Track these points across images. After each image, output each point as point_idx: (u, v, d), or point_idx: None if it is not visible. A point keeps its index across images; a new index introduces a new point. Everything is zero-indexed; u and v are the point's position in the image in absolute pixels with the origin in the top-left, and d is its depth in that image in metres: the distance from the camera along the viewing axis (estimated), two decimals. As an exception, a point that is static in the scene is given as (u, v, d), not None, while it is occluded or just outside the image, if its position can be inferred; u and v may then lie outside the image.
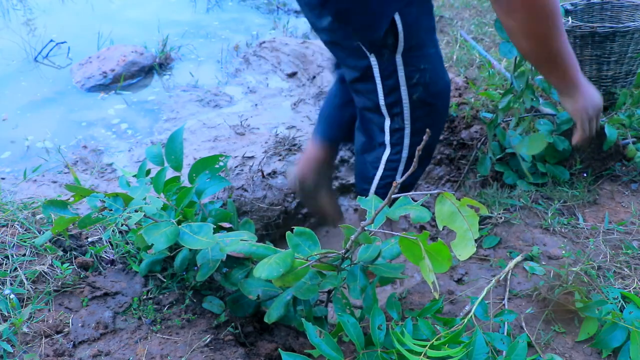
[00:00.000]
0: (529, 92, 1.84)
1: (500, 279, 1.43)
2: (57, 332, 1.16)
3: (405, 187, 1.59)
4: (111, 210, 1.17)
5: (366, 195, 1.52)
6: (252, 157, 2.06)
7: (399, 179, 1.42)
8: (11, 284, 1.21)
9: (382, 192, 1.55)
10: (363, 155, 1.59)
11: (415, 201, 1.12)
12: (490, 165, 1.94)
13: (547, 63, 1.35)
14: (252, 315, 1.33)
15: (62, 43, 2.93)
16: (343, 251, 1.13)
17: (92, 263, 1.33)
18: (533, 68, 1.89)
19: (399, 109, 1.42)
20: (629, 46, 1.97)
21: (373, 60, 1.36)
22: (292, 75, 2.67)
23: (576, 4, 2.19)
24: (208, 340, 1.21)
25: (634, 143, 1.83)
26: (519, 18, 1.20)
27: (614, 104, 2.00)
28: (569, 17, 2.08)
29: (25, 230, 1.35)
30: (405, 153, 1.49)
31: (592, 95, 1.47)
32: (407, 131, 1.46)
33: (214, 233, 1.13)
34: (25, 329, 1.13)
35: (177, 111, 2.42)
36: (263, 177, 2.02)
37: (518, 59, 1.79)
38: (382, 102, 1.42)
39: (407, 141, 1.48)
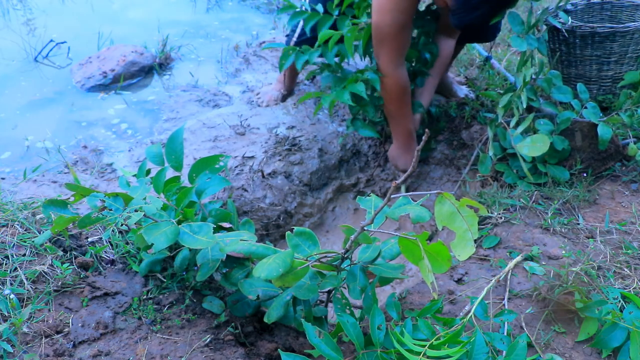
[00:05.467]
0: (528, 91, 1.84)
1: (500, 279, 1.43)
2: (57, 332, 1.16)
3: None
4: (111, 210, 1.17)
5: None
6: (252, 157, 2.06)
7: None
8: (11, 284, 1.21)
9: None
10: None
11: (415, 201, 1.12)
12: (491, 165, 1.94)
13: (389, 117, 1.96)
14: (252, 315, 1.33)
15: (62, 43, 2.93)
16: (343, 251, 1.13)
17: (92, 263, 1.33)
18: (536, 67, 1.90)
19: None
20: (629, 46, 1.97)
21: None
22: (292, 75, 2.67)
23: (576, 4, 2.19)
24: (208, 340, 1.21)
25: (634, 143, 1.83)
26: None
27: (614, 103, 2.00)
28: (569, 17, 2.08)
29: (25, 230, 1.35)
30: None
31: (403, 157, 2.02)
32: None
33: (214, 233, 1.13)
34: (25, 329, 1.13)
35: (177, 111, 2.42)
36: (263, 177, 2.02)
37: (524, 57, 1.80)
38: None
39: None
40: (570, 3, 2.17)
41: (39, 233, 1.35)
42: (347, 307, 1.21)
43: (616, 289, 1.33)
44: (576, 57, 2.03)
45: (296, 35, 2.17)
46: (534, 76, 1.94)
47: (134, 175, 1.42)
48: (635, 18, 2.15)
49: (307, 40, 2.04)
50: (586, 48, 1.98)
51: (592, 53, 1.98)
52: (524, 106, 1.80)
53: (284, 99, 2.46)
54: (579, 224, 1.63)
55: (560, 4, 1.93)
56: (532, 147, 1.75)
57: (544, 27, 1.92)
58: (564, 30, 1.86)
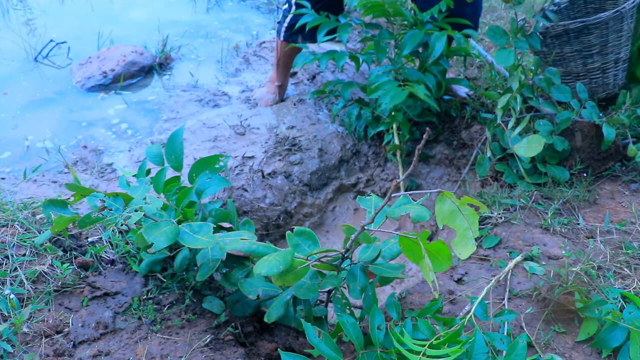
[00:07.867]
0: (525, 90, 1.84)
1: (500, 279, 1.43)
2: (57, 332, 1.16)
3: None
4: (111, 210, 1.17)
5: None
6: (252, 157, 2.06)
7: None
8: (11, 284, 1.21)
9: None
10: None
11: (415, 200, 1.12)
12: (490, 166, 1.94)
13: None
14: (252, 315, 1.33)
15: (62, 43, 2.93)
16: (343, 251, 1.13)
17: (92, 263, 1.33)
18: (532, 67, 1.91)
19: None
20: (607, 36, 1.94)
21: None
22: (292, 75, 2.67)
23: (559, 3, 2.18)
24: (208, 340, 1.21)
25: (634, 143, 1.83)
26: None
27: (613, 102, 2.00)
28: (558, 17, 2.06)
29: (25, 230, 1.35)
30: None
31: None
32: None
33: (214, 233, 1.13)
34: (25, 329, 1.13)
35: (177, 111, 2.42)
36: (263, 177, 2.02)
37: (515, 61, 1.81)
38: None
39: None
40: (553, 3, 2.16)
41: (39, 233, 1.35)
42: (347, 307, 1.21)
43: (616, 289, 1.33)
44: (559, 56, 2.03)
45: (286, 22, 2.21)
46: (532, 78, 1.94)
47: (134, 175, 1.42)
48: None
49: (297, 30, 2.13)
50: (565, 45, 1.97)
51: (573, 49, 1.97)
52: (519, 108, 1.80)
53: (279, 96, 2.46)
54: (579, 224, 1.63)
55: (546, 5, 1.94)
56: (528, 147, 1.75)
57: (535, 20, 1.91)
58: (537, 34, 1.86)
